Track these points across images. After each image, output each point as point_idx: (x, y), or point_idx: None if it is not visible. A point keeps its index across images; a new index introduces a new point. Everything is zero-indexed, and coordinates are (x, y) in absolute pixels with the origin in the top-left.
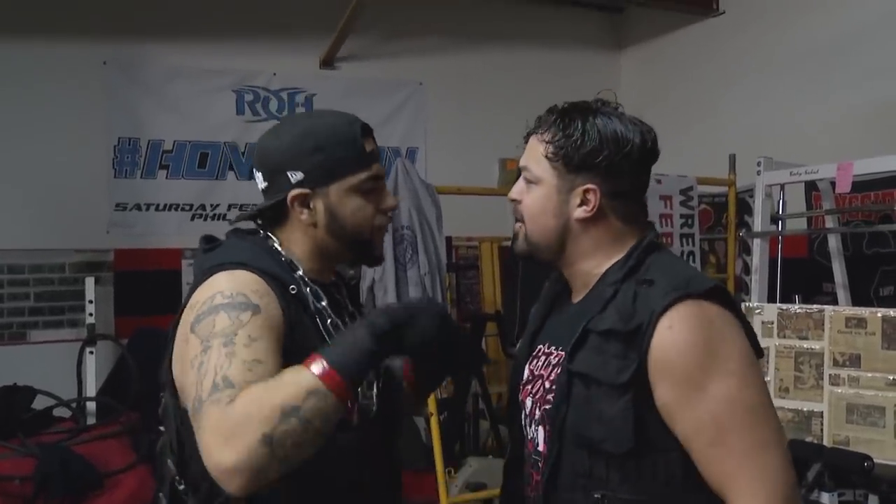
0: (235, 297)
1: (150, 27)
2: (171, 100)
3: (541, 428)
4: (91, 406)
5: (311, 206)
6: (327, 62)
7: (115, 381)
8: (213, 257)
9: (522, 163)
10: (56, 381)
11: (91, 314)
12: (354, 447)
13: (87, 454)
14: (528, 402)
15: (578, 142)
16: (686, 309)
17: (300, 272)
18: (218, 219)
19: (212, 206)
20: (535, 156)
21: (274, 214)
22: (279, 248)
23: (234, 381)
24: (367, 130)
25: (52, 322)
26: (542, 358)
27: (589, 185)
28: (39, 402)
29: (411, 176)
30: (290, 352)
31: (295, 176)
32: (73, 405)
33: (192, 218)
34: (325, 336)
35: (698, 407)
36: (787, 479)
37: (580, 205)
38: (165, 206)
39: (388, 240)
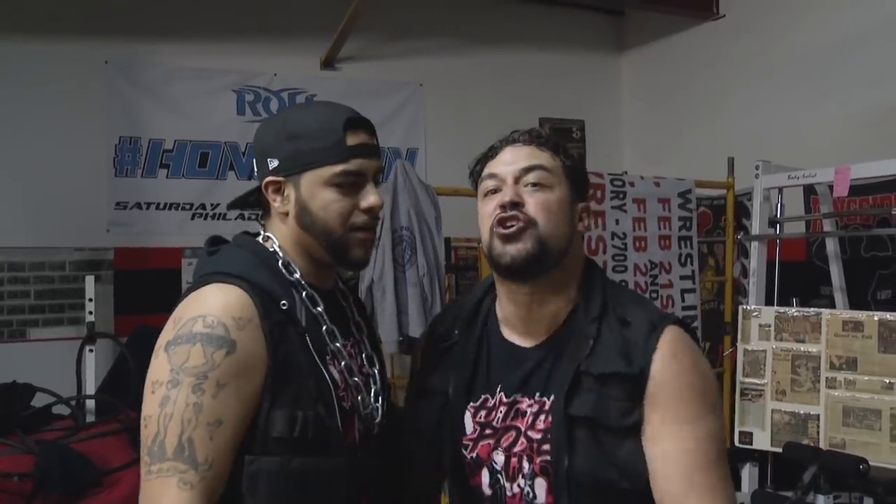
0: (215, 329)
1: (151, 27)
2: (171, 99)
3: (540, 479)
4: (90, 404)
5: (285, 193)
6: (328, 63)
7: (115, 379)
8: (211, 263)
9: (527, 164)
10: (55, 379)
11: (91, 312)
12: (346, 471)
13: (86, 452)
14: (499, 456)
15: (579, 165)
16: (673, 343)
17: (297, 275)
18: (218, 218)
19: (212, 205)
20: (550, 162)
21: (257, 203)
22: (277, 250)
23: (198, 455)
24: (355, 124)
25: (52, 320)
26: (505, 408)
27: (585, 205)
28: (39, 400)
29: (410, 177)
30: (276, 374)
31: (272, 163)
32: (73, 403)
33: (193, 217)
34: (313, 352)
35: (680, 438)
36: None
37: (579, 220)
38: (166, 205)
39: (386, 240)
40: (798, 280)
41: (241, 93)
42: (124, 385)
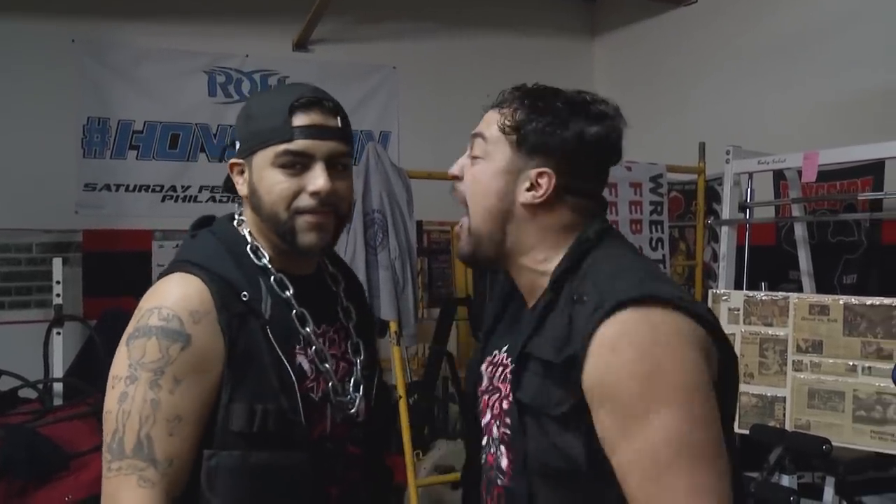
0: (170, 322)
1: (120, 5)
2: (141, 80)
3: (503, 447)
4: (58, 387)
5: (245, 176)
6: (300, 45)
7: (83, 363)
8: (183, 250)
9: (473, 132)
10: (22, 362)
11: (59, 295)
12: (307, 465)
13: (53, 436)
14: (487, 413)
15: (541, 122)
16: (624, 324)
17: (265, 260)
18: (189, 200)
19: (183, 187)
20: (489, 129)
21: (232, 187)
22: (247, 234)
23: (158, 452)
24: (308, 104)
25: (19, 303)
26: (500, 368)
27: (544, 170)
28: (5, 383)
29: (382, 160)
30: (234, 368)
31: (237, 145)
32: (40, 386)
33: (163, 199)
34: (275, 344)
35: (637, 438)
36: None
37: (529, 189)
38: (136, 186)
39: (358, 223)
40: (768, 264)
41: (213, 74)
42: (93, 368)
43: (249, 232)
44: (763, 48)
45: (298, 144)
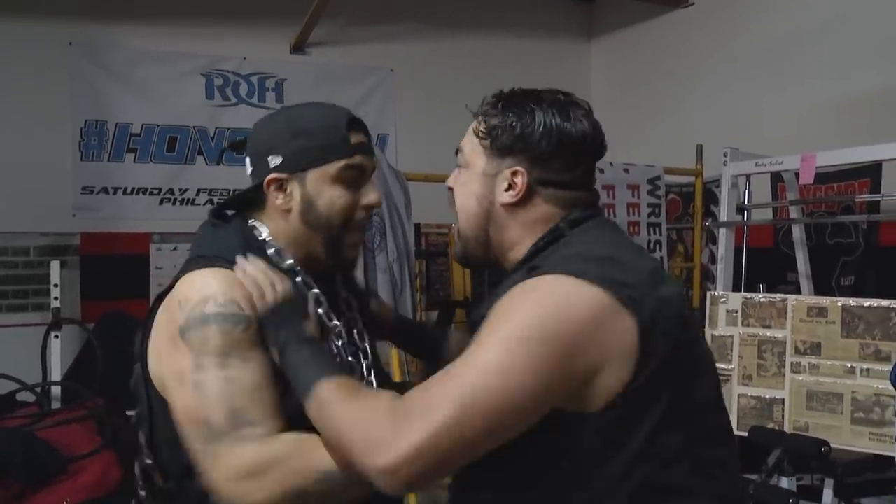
0: (228, 306)
1: (117, 8)
2: (139, 83)
3: None
4: (56, 391)
5: (288, 190)
6: (298, 47)
7: (81, 366)
8: (211, 245)
9: (457, 149)
10: (20, 366)
11: (56, 298)
12: None
13: (50, 439)
14: None
15: (512, 123)
16: (537, 280)
17: (290, 261)
18: (187, 203)
19: (181, 190)
20: (468, 138)
21: (254, 199)
22: (267, 239)
23: (252, 416)
24: (355, 124)
25: (17, 306)
26: None
27: (517, 168)
28: (3, 387)
29: (380, 162)
30: None
31: (274, 161)
32: (38, 390)
33: (161, 202)
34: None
35: (466, 360)
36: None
37: (507, 189)
38: (133, 189)
39: None
40: (766, 266)
41: (210, 77)
42: (91, 372)
43: (269, 236)
44: (760, 50)
45: (357, 160)
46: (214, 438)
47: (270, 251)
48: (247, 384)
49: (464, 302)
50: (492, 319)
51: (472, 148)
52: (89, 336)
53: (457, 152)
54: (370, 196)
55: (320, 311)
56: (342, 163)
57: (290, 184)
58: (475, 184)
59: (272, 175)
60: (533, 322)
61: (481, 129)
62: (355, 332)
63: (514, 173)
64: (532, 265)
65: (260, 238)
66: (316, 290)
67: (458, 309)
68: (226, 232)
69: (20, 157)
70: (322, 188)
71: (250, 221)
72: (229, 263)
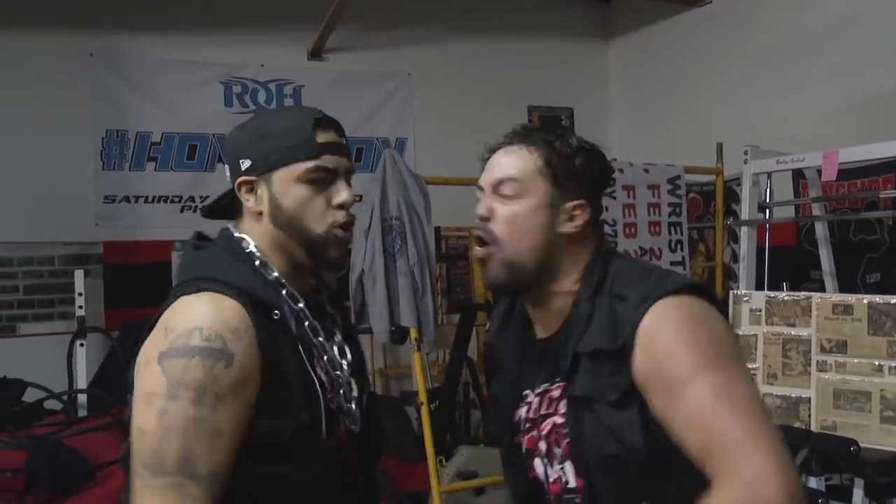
0: (213, 342)
1: (136, 18)
2: (158, 92)
3: (568, 463)
4: (82, 398)
5: (258, 192)
6: (315, 53)
7: (106, 374)
8: (195, 266)
9: (499, 175)
10: (46, 374)
11: (81, 307)
12: (330, 477)
13: (78, 446)
14: (542, 444)
15: (572, 159)
16: (663, 309)
17: (275, 274)
18: None
19: (201, 197)
20: (521, 168)
21: (231, 204)
22: (254, 250)
23: (201, 469)
24: (324, 123)
25: (42, 315)
26: (538, 399)
27: (580, 202)
28: (30, 395)
29: (399, 166)
30: (267, 384)
31: (244, 164)
32: (64, 398)
33: (182, 210)
34: (304, 360)
35: (687, 402)
36: (780, 454)
37: (568, 220)
38: (154, 198)
39: (376, 230)
40: (788, 264)
41: (229, 84)
42: (115, 379)
43: (256, 247)
44: (778, 48)
45: (326, 160)
46: (157, 474)
47: (256, 263)
48: (209, 429)
49: (485, 305)
50: (674, 356)
51: (531, 178)
52: (113, 344)
53: (499, 183)
54: (341, 195)
55: (305, 325)
56: (310, 164)
57: (259, 185)
58: (538, 214)
59: (242, 178)
60: (713, 343)
61: (541, 163)
62: (335, 348)
63: (576, 206)
64: (620, 294)
65: (247, 251)
66: (301, 305)
67: (480, 312)
68: (218, 252)
69: (43, 167)
70: (287, 188)
71: (236, 234)
72: (222, 284)
